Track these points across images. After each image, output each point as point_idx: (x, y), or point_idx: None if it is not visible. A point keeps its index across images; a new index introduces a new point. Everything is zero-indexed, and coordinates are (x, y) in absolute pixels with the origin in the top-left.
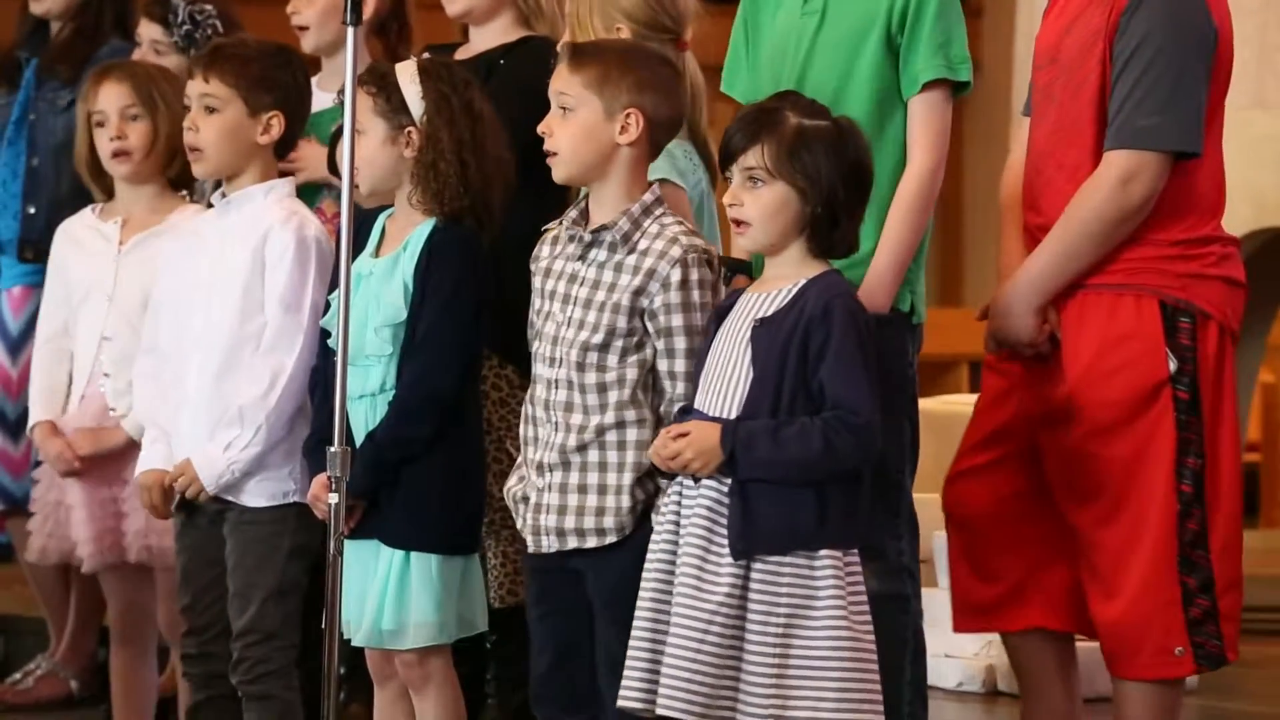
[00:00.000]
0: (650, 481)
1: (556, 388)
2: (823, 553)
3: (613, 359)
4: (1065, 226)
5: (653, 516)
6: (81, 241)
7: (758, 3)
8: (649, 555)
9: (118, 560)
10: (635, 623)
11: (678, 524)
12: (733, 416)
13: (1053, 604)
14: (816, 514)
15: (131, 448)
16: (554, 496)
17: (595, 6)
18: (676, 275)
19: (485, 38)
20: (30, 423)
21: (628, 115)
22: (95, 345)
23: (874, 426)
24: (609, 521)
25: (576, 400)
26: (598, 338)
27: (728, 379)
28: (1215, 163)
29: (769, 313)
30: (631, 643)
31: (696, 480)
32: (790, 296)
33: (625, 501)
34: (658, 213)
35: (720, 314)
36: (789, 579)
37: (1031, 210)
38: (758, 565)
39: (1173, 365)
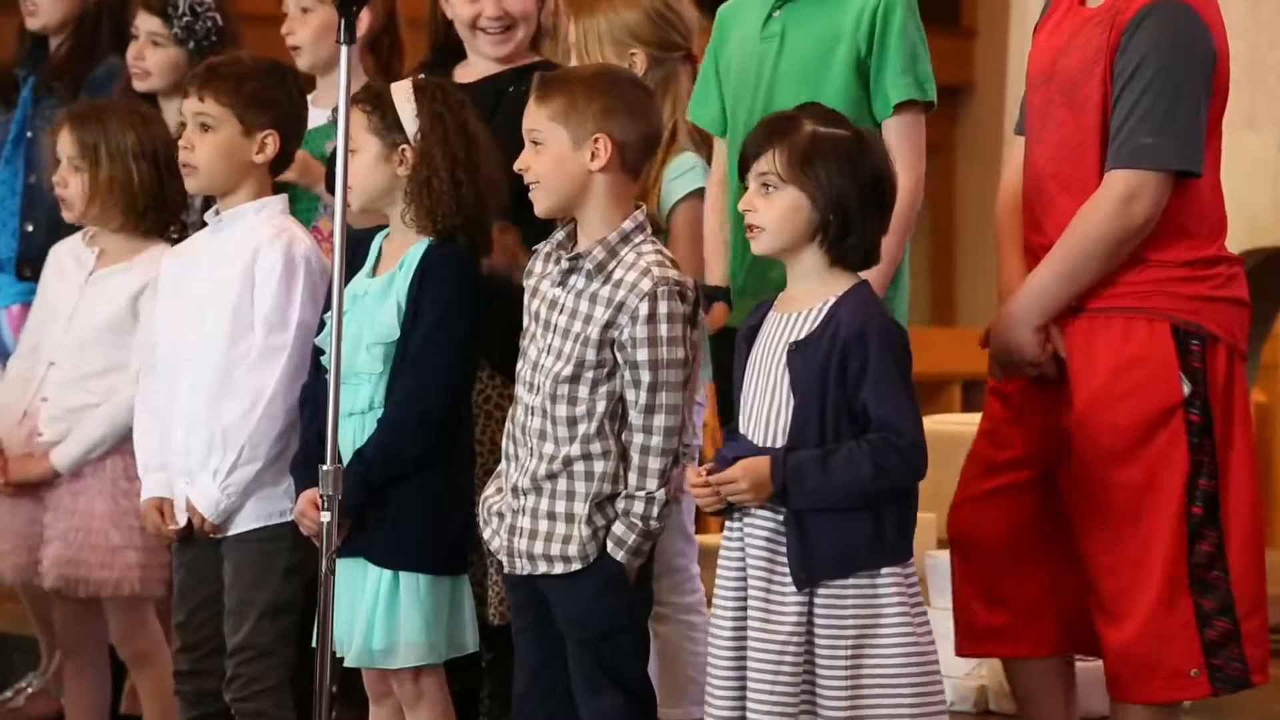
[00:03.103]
0: (610, 508)
1: (533, 414)
2: (884, 570)
3: (583, 390)
4: (1066, 246)
5: (721, 543)
6: (62, 265)
7: (724, 30)
8: (718, 591)
9: (33, 580)
10: (714, 657)
11: (743, 555)
12: (779, 443)
13: (1061, 629)
14: (873, 533)
15: (55, 478)
16: (526, 520)
17: (605, 36)
18: (644, 309)
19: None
20: None
21: (595, 141)
22: (44, 368)
23: (920, 445)
24: (573, 549)
25: (549, 430)
26: (568, 370)
27: (769, 404)
28: (1215, 182)
29: (801, 335)
30: (711, 679)
31: (739, 514)
32: (822, 317)
33: (585, 531)
34: (637, 240)
35: (749, 334)
36: (853, 600)
37: (1034, 230)
38: (821, 590)
39: (1186, 389)
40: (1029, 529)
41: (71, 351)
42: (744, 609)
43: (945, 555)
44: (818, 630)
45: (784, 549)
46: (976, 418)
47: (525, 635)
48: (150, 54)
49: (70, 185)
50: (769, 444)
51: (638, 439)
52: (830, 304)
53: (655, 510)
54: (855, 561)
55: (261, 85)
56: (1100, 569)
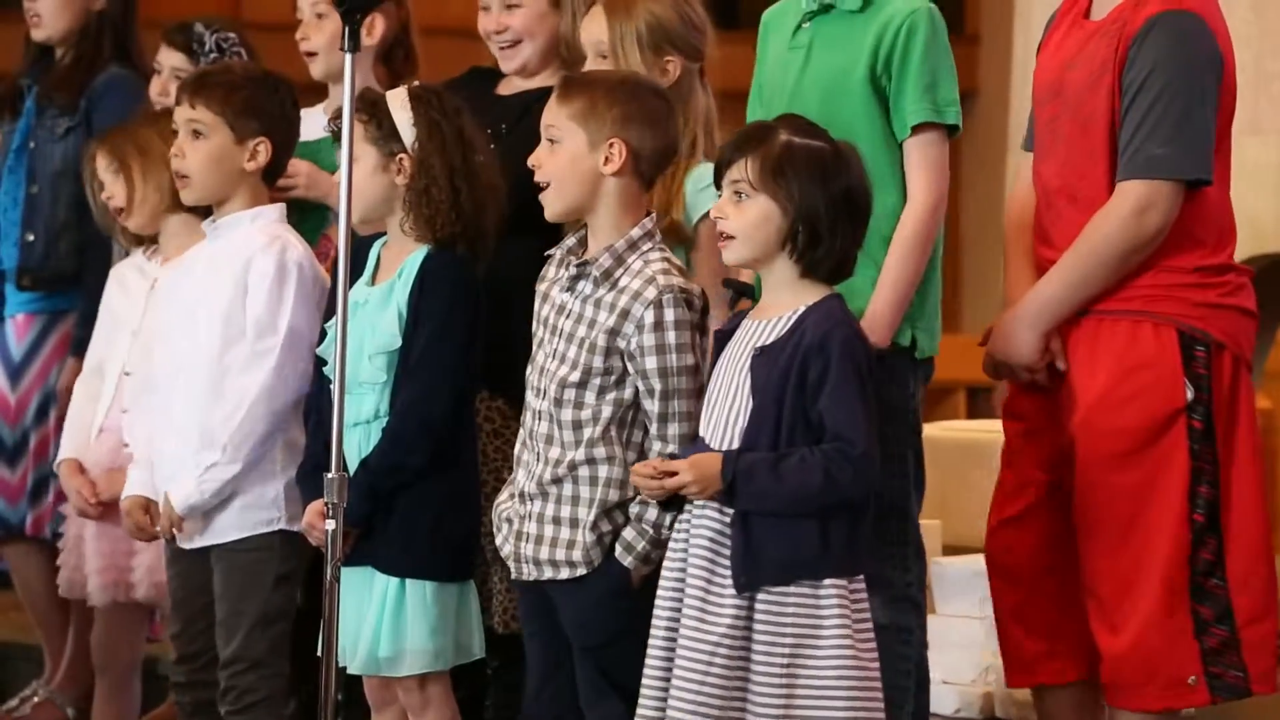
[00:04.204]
0: (620, 514)
1: (540, 419)
2: (828, 581)
3: (590, 396)
4: (1077, 254)
5: (668, 547)
6: (125, 281)
7: (765, 34)
8: (660, 586)
9: (125, 597)
10: (649, 654)
11: (687, 548)
12: (734, 446)
13: (1089, 651)
14: (819, 542)
15: None
16: (532, 526)
17: (645, 39)
18: (650, 317)
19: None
20: (58, 459)
21: (610, 145)
22: (116, 379)
23: (871, 457)
24: (577, 555)
25: (555, 434)
26: (575, 375)
27: (728, 407)
28: (1224, 191)
29: (768, 341)
30: (645, 674)
31: (688, 509)
32: (789, 325)
33: (589, 536)
34: (645, 248)
35: (722, 339)
36: (794, 609)
37: (1044, 244)
38: (762, 596)
39: (1190, 394)
40: (1049, 550)
41: (144, 358)
42: (678, 611)
43: (950, 562)
44: (756, 636)
45: (726, 551)
46: (980, 424)
47: (534, 640)
48: (174, 90)
49: (115, 191)
50: (724, 447)
51: (655, 447)
52: (800, 313)
53: (667, 519)
54: (798, 570)
55: (253, 94)
56: (1098, 574)
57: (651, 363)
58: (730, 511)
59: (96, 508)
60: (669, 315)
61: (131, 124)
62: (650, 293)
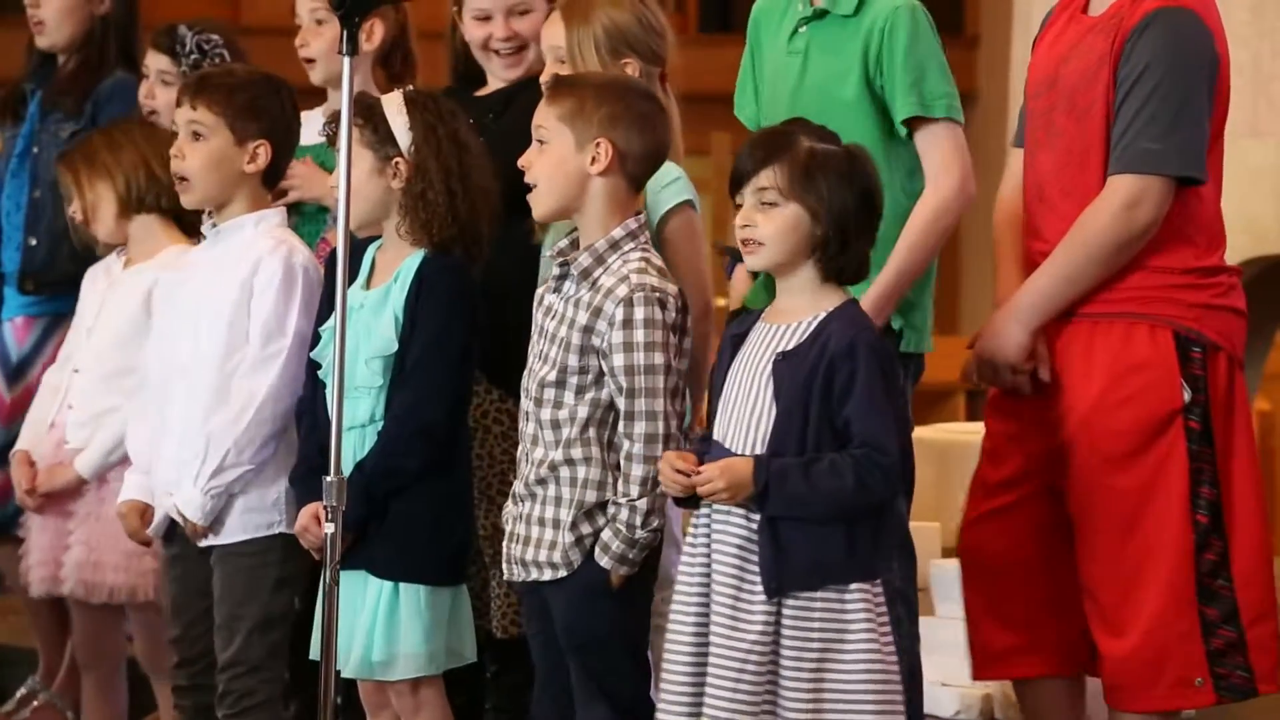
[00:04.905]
0: (601, 515)
1: (528, 420)
2: (853, 586)
3: (568, 396)
4: (1067, 250)
5: (685, 543)
6: (95, 279)
7: (758, 30)
8: (679, 592)
9: (56, 590)
10: (672, 659)
11: (709, 554)
12: (758, 451)
13: (1069, 646)
14: (845, 547)
15: (81, 484)
16: (520, 526)
17: (603, 42)
18: (620, 314)
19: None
20: (13, 448)
21: (597, 145)
22: (68, 377)
23: (897, 465)
24: (557, 556)
25: (539, 435)
26: (552, 375)
27: (750, 412)
28: (1217, 192)
29: (790, 346)
30: (667, 680)
31: (706, 511)
32: (811, 330)
33: (569, 538)
34: (626, 248)
35: (734, 342)
36: (821, 614)
37: (1035, 238)
38: (790, 601)
39: (1187, 395)
40: (1031, 545)
41: (93, 356)
42: (706, 612)
43: (949, 564)
44: (784, 640)
45: (754, 557)
46: (979, 426)
47: (535, 641)
48: (160, 93)
49: (77, 209)
50: (747, 452)
51: (624, 446)
52: (821, 318)
53: (639, 519)
54: (826, 574)
55: (254, 96)
56: (1098, 577)
57: (619, 360)
58: (756, 517)
59: (35, 499)
60: (638, 313)
61: (84, 137)
62: (622, 290)
